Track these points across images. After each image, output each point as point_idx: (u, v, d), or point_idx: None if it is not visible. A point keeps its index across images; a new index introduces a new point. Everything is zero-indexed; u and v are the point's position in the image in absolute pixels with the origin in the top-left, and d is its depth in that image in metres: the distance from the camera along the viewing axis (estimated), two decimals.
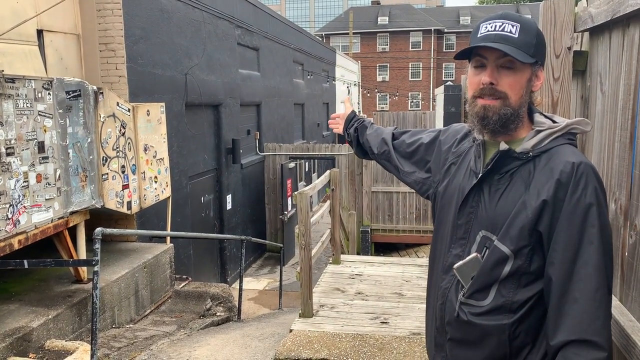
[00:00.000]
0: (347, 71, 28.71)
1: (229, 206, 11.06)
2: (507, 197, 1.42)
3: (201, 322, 5.89)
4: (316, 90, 20.82)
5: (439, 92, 11.42)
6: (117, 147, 5.64)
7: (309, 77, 19.20)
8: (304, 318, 4.81)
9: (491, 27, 1.44)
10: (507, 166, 1.45)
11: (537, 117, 1.49)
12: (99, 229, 4.25)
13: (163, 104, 6.85)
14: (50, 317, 4.54)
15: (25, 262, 4.45)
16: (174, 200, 7.69)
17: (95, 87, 5.30)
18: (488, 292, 1.43)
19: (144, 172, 6.19)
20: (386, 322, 4.72)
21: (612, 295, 1.75)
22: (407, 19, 47.46)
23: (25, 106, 4.36)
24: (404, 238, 14.04)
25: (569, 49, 2.13)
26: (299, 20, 74.14)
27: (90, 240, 4.64)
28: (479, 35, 1.46)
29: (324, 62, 22.35)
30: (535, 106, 1.52)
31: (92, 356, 4.05)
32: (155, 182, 6.48)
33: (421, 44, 46.68)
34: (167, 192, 6.83)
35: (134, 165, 5.97)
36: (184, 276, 7.34)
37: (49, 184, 4.65)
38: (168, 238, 7.01)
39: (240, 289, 7.06)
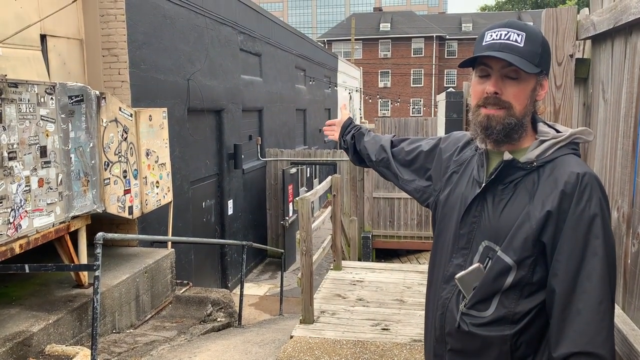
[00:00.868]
0: (349, 77, 28.76)
1: (230, 211, 11.06)
2: (511, 207, 1.41)
3: (202, 328, 5.88)
4: (318, 96, 20.86)
5: (441, 98, 11.44)
6: (119, 152, 5.64)
7: (311, 83, 19.24)
8: (304, 324, 4.79)
9: (496, 36, 1.43)
10: (511, 176, 1.44)
11: (541, 127, 1.48)
12: (100, 234, 4.25)
13: (165, 109, 6.86)
14: (50, 321, 4.53)
15: (27, 266, 4.45)
16: (176, 205, 7.69)
17: (97, 92, 5.31)
18: (490, 303, 1.42)
19: (145, 177, 6.19)
20: (387, 329, 4.70)
21: (615, 304, 1.75)
22: (409, 26, 47.60)
23: (28, 111, 4.38)
24: (405, 244, 14.02)
25: (571, 56, 2.14)
26: (301, 26, 74.38)
27: (91, 244, 4.64)
28: (483, 44, 1.45)
29: (326, 68, 22.40)
30: (538, 115, 1.51)
31: None
32: (157, 187, 6.49)
33: (423, 50, 46.79)
34: (169, 197, 6.83)
35: (135, 170, 5.98)
36: (185, 281, 7.33)
37: (51, 189, 4.66)
38: (169, 243, 7.00)
39: (241, 295, 7.05)
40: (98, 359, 4.17)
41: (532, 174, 1.41)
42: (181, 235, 8.25)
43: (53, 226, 4.72)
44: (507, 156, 1.43)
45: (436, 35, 46.25)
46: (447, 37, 47.32)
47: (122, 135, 5.71)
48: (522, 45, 1.40)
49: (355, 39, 43.30)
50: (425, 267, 6.89)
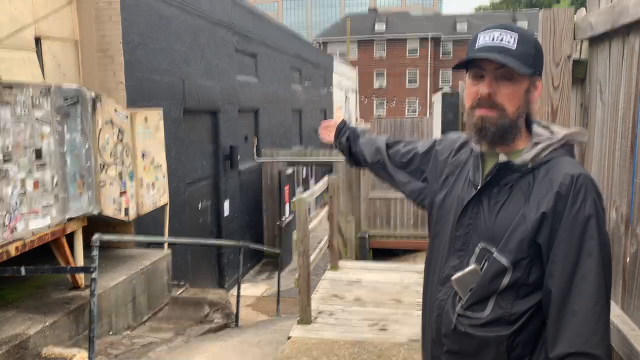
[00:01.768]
0: (344, 78, 28.77)
1: (226, 212, 11.04)
2: (506, 209, 1.42)
3: (199, 329, 5.86)
4: (314, 97, 20.86)
5: (436, 98, 11.45)
6: (115, 154, 5.62)
7: (306, 83, 19.23)
8: (302, 325, 4.79)
9: (489, 38, 1.43)
10: (506, 178, 1.44)
11: (535, 128, 1.49)
12: (96, 236, 4.23)
13: (161, 110, 6.84)
14: (47, 324, 4.51)
15: (23, 269, 4.42)
16: (172, 207, 7.67)
17: (93, 94, 5.29)
18: (486, 304, 1.42)
19: (141, 179, 6.17)
20: (385, 329, 4.71)
21: (614, 304, 1.75)
22: (404, 26, 47.66)
23: (23, 113, 4.35)
24: (402, 244, 14.03)
25: (569, 57, 2.14)
26: (296, 27, 74.33)
27: (87, 246, 4.62)
28: (476, 46, 1.45)
29: (321, 69, 22.40)
30: (533, 116, 1.52)
31: None
32: (153, 188, 6.47)
33: (418, 50, 46.85)
34: (165, 199, 6.81)
35: (131, 171, 5.96)
36: (182, 282, 7.31)
37: (47, 191, 4.64)
38: (166, 244, 6.98)
39: (238, 296, 7.04)
40: None
41: (527, 176, 1.42)
42: (178, 237, 8.23)
43: (49, 228, 4.70)
44: (502, 158, 1.44)
45: (431, 36, 46.33)
46: (442, 37, 47.41)
47: (118, 136, 5.69)
48: (514, 46, 1.41)
49: (351, 40, 43.32)
50: (422, 267, 6.89)
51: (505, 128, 1.43)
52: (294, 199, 4.92)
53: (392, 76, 47.21)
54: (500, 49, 1.41)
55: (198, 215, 9.84)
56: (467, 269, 1.45)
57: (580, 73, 2.17)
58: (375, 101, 46.66)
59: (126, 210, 5.81)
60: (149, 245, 7.14)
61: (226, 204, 11.04)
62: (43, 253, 5.29)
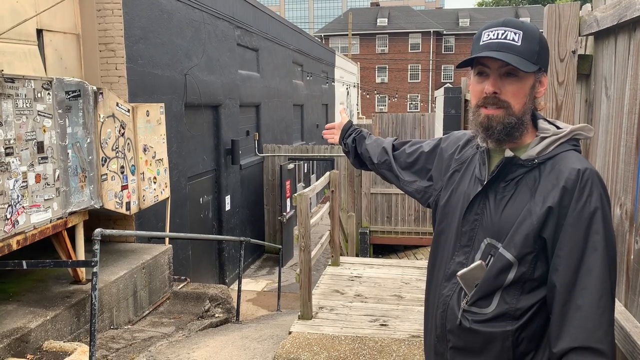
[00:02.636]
0: (346, 72, 28.72)
1: (227, 207, 11.04)
2: (513, 204, 1.42)
3: (200, 324, 5.87)
4: (315, 92, 20.82)
5: (439, 94, 11.42)
6: (117, 148, 5.62)
7: (308, 78, 19.19)
8: (303, 320, 4.79)
9: (493, 35, 1.43)
10: (512, 173, 1.44)
11: (541, 124, 1.49)
12: (98, 230, 4.23)
13: (162, 104, 6.83)
14: (48, 317, 4.52)
15: (24, 262, 4.43)
16: (173, 201, 7.67)
17: (94, 87, 5.28)
18: (491, 299, 1.42)
19: (143, 173, 6.17)
20: (385, 325, 4.71)
21: (618, 301, 1.74)
22: (406, 21, 47.50)
23: (24, 106, 4.35)
24: (403, 240, 14.04)
25: (574, 52, 2.13)
26: (298, 21, 74.17)
27: (89, 240, 4.62)
28: (481, 44, 1.44)
29: (323, 64, 22.34)
30: (538, 111, 1.51)
31: (90, 357, 4.02)
32: (155, 182, 6.47)
33: (420, 45, 46.71)
34: (166, 193, 6.81)
35: (133, 165, 5.95)
36: (183, 277, 7.32)
37: (48, 184, 4.63)
38: (167, 239, 6.99)
39: (239, 290, 7.04)
40: (96, 355, 4.16)
41: (533, 171, 1.41)
42: (179, 231, 8.23)
43: (50, 222, 4.70)
44: (508, 153, 1.44)
45: (433, 31, 46.17)
46: (445, 32, 47.25)
47: (120, 130, 5.69)
48: (519, 43, 1.40)
49: (353, 34, 43.20)
50: (422, 263, 6.90)
51: (512, 126, 1.43)
52: (295, 195, 4.92)
53: (393, 71, 47.10)
54: (504, 46, 1.40)
55: (199, 210, 9.85)
56: (472, 265, 1.45)
57: (585, 69, 2.15)
58: (376, 96, 46.58)
59: (127, 204, 5.81)
60: (150, 239, 7.15)
61: (227, 199, 11.04)
62: (44, 247, 5.30)
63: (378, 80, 47.27)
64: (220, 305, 6.63)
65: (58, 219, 4.80)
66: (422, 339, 4.36)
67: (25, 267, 4.47)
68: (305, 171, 18.07)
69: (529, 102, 1.44)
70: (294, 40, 17.10)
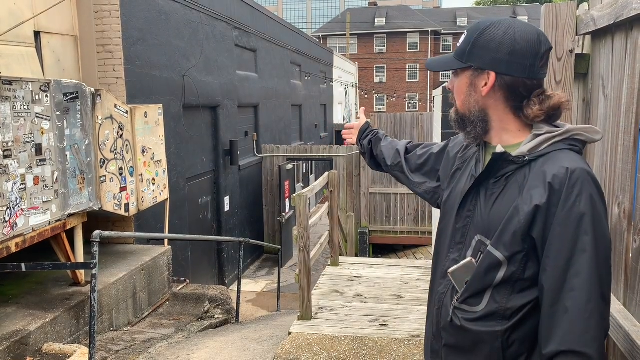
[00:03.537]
0: (344, 72, 28.72)
1: (226, 208, 11.04)
2: (501, 201, 1.41)
3: (199, 325, 5.87)
4: (314, 92, 20.82)
5: (437, 93, 11.43)
6: (115, 149, 5.61)
7: (306, 78, 19.19)
8: (302, 320, 4.79)
9: None
10: (502, 170, 1.43)
11: (537, 123, 1.46)
12: (97, 232, 4.23)
13: (161, 105, 6.82)
14: (47, 320, 4.52)
15: (23, 265, 4.42)
16: (172, 202, 7.67)
17: (92, 89, 5.28)
18: (482, 298, 1.41)
19: (141, 174, 6.16)
20: (385, 325, 4.71)
21: (616, 300, 1.74)
22: (404, 20, 47.52)
23: (22, 108, 4.34)
24: (402, 239, 14.05)
25: (571, 52, 2.13)
26: (296, 21, 74.16)
27: (88, 242, 4.62)
28: None
29: (321, 64, 22.34)
30: (531, 116, 1.43)
31: (90, 359, 4.02)
32: (153, 184, 6.46)
33: (418, 45, 46.73)
34: (165, 194, 6.81)
35: (131, 167, 5.95)
36: (182, 278, 7.32)
37: (47, 187, 4.63)
38: (166, 240, 6.98)
39: (239, 291, 7.04)
40: (96, 357, 4.16)
41: (523, 168, 1.40)
42: (178, 232, 8.23)
43: (49, 224, 4.69)
44: (499, 149, 1.42)
45: (431, 30, 46.19)
46: (443, 31, 47.27)
47: (118, 132, 5.68)
48: (459, 44, 1.51)
49: (351, 34, 43.20)
50: (422, 263, 6.91)
51: (458, 121, 1.53)
52: (294, 195, 4.92)
53: (392, 71, 47.10)
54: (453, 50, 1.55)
55: (198, 211, 9.84)
56: (462, 262, 1.45)
57: (582, 68, 2.16)
58: (375, 96, 46.58)
59: (126, 206, 5.81)
60: (149, 241, 7.14)
61: (226, 200, 11.04)
62: (43, 249, 5.29)
63: (376, 80, 47.28)
64: (220, 306, 6.63)
65: (57, 221, 4.79)
66: (422, 338, 4.36)
67: (24, 269, 4.46)
68: (304, 171, 18.08)
69: (469, 98, 1.48)
70: (292, 40, 17.10)
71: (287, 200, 13.64)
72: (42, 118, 4.57)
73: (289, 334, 4.56)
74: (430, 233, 13.09)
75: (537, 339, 1.37)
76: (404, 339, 4.37)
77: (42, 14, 5.83)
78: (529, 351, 1.38)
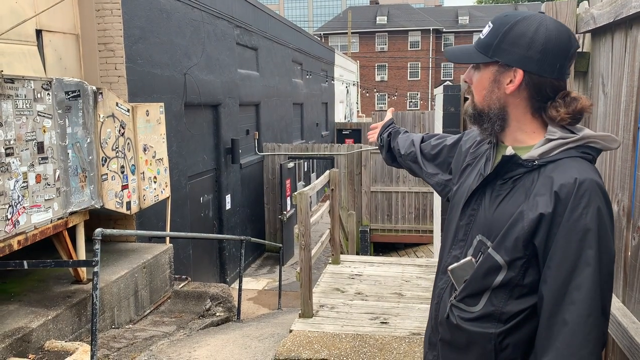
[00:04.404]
0: (346, 71, 28.70)
1: (228, 206, 11.05)
2: (506, 204, 1.39)
3: (201, 323, 5.89)
4: (315, 90, 20.82)
5: (438, 92, 11.42)
6: (117, 148, 5.63)
7: (307, 77, 19.19)
8: (303, 318, 4.80)
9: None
10: (511, 172, 1.40)
11: (551, 126, 1.41)
12: (98, 230, 4.24)
13: (162, 104, 6.84)
14: (49, 317, 4.53)
15: (25, 262, 4.44)
16: (173, 201, 7.68)
17: (94, 87, 5.29)
18: (479, 299, 1.40)
19: (143, 173, 6.18)
20: (386, 322, 4.72)
21: (615, 297, 1.75)
22: (406, 19, 47.46)
23: (24, 106, 4.35)
24: (403, 238, 14.05)
25: None
26: (298, 19, 74.14)
27: (89, 240, 4.63)
28: None
29: (322, 62, 22.34)
30: (557, 119, 1.38)
31: (92, 357, 4.04)
32: (155, 182, 6.48)
33: (420, 43, 46.69)
34: (167, 193, 6.82)
35: (133, 165, 5.96)
36: (184, 276, 7.33)
37: (49, 185, 4.64)
38: (167, 238, 7.00)
39: (240, 289, 7.06)
40: (97, 354, 4.17)
41: (532, 173, 1.36)
42: (179, 230, 8.24)
43: (51, 222, 4.71)
44: (509, 151, 1.39)
45: (433, 29, 46.13)
46: (444, 30, 47.21)
47: (120, 130, 5.70)
48: (483, 37, 1.42)
49: (352, 33, 43.17)
50: (422, 261, 6.92)
51: (474, 116, 1.47)
52: (296, 193, 4.93)
53: (393, 69, 47.07)
54: (474, 41, 1.47)
55: (200, 209, 9.86)
56: (463, 261, 1.45)
57: (582, 66, 2.16)
58: (376, 95, 46.56)
59: (128, 204, 5.82)
60: (150, 239, 7.16)
61: (228, 198, 11.05)
62: (45, 247, 5.31)
63: (378, 78, 47.25)
64: (221, 304, 6.64)
65: (59, 219, 4.81)
66: (423, 336, 4.37)
67: (26, 267, 4.48)
68: (305, 170, 18.08)
69: (490, 95, 1.42)
70: (294, 38, 17.10)
71: (288, 198, 13.65)
72: (43, 116, 4.59)
73: (290, 331, 4.57)
74: (432, 231, 13.09)
75: (532, 344, 1.35)
76: (404, 336, 4.38)
77: (44, 12, 5.84)
78: (523, 356, 1.36)
